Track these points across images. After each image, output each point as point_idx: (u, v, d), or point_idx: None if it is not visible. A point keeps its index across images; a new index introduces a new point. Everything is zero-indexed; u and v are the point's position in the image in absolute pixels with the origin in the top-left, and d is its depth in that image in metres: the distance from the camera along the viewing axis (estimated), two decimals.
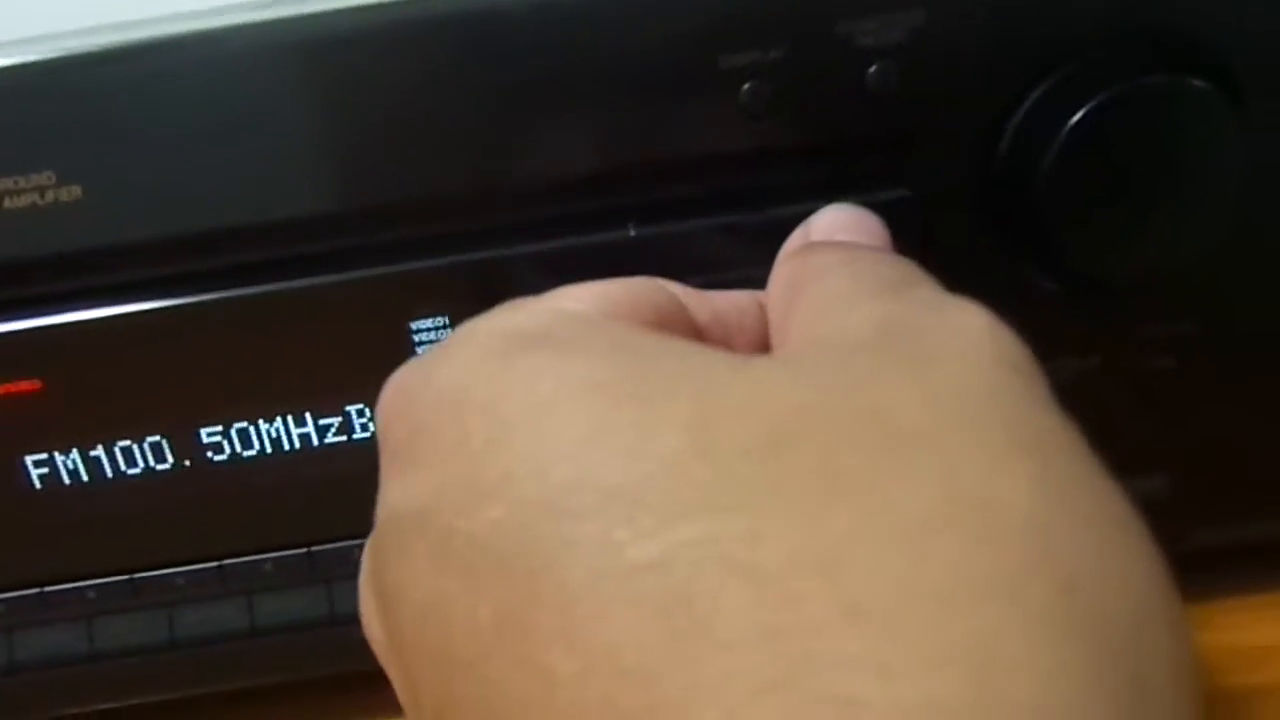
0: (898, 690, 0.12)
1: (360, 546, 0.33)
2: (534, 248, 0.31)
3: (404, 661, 0.17)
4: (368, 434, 0.32)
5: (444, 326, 0.32)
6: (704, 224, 0.30)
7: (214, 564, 0.33)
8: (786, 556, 0.13)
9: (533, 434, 0.16)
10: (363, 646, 0.35)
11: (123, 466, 0.32)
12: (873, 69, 0.29)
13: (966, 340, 0.17)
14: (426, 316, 0.32)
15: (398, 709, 0.38)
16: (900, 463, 0.14)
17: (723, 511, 0.14)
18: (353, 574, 0.34)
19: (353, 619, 0.35)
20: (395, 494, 0.18)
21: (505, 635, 0.14)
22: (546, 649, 0.14)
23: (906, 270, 0.21)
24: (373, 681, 0.38)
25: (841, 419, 0.15)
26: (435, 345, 0.20)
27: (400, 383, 0.19)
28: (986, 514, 0.14)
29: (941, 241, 0.31)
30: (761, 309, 0.23)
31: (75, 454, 0.31)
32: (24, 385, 0.31)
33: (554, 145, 0.29)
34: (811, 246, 0.24)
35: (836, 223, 0.25)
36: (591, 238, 0.30)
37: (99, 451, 0.31)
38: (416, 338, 0.32)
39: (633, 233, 0.30)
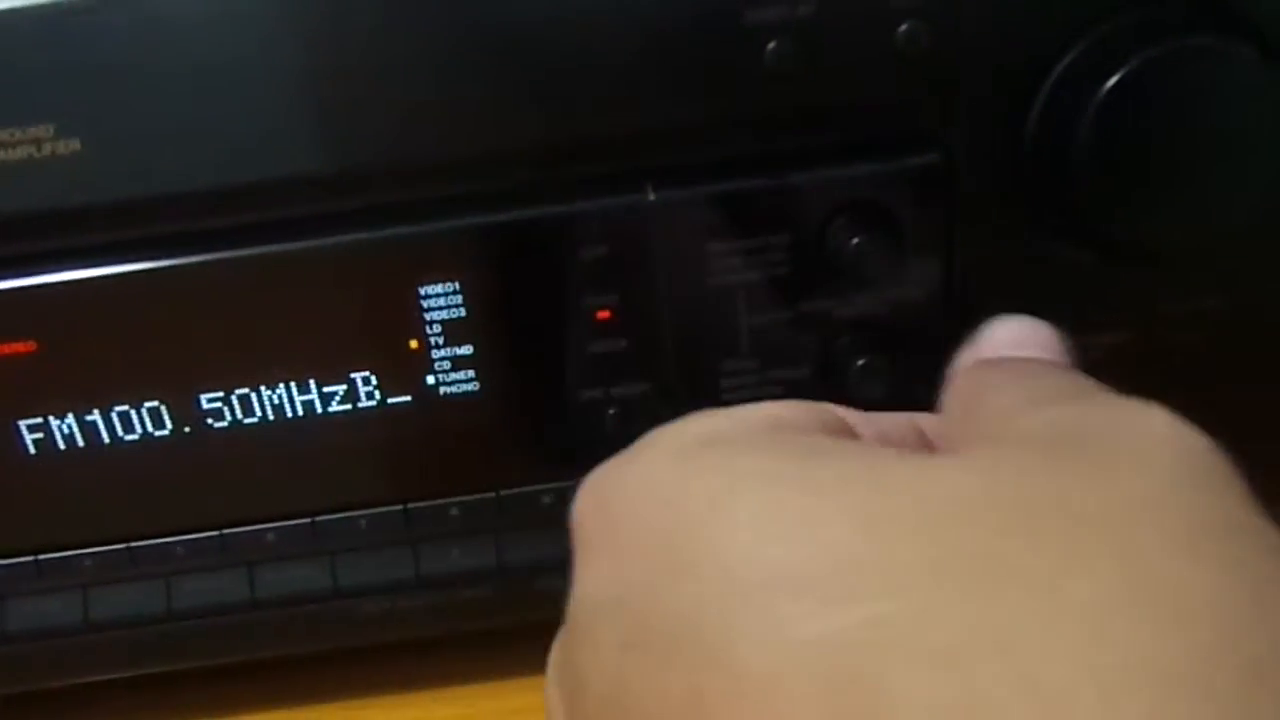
0: None
1: (365, 518, 0.33)
2: (551, 210, 0.30)
3: None
4: (372, 402, 0.32)
5: (455, 293, 0.31)
6: (723, 188, 0.29)
7: (215, 533, 0.32)
8: (957, 636, 0.13)
9: (712, 524, 0.17)
10: (366, 621, 0.34)
11: (120, 432, 0.31)
12: (902, 28, 0.28)
13: (1148, 437, 0.17)
14: (436, 282, 0.31)
15: (399, 687, 0.38)
16: (1074, 545, 0.14)
17: (890, 594, 0.14)
18: (357, 546, 0.35)
19: (357, 592, 0.35)
20: (586, 585, 0.19)
21: (687, 714, 0.15)
22: None
23: (1083, 382, 0.21)
24: (373, 656, 0.38)
25: (1011, 504, 0.15)
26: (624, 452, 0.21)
27: (594, 483, 0.21)
28: (1167, 596, 0.13)
29: (973, 210, 0.30)
30: (920, 433, 0.23)
31: (71, 418, 0.30)
32: (19, 346, 0.30)
33: (571, 104, 0.28)
34: (985, 363, 0.23)
35: (1008, 337, 0.24)
36: (610, 200, 0.29)
37: (95, 416, 0.30)
38: (425, 304, 0.31)
39: (652, 196, 0.29)
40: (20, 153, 0.28)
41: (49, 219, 0.28)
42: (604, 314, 0.30)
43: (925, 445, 0.23)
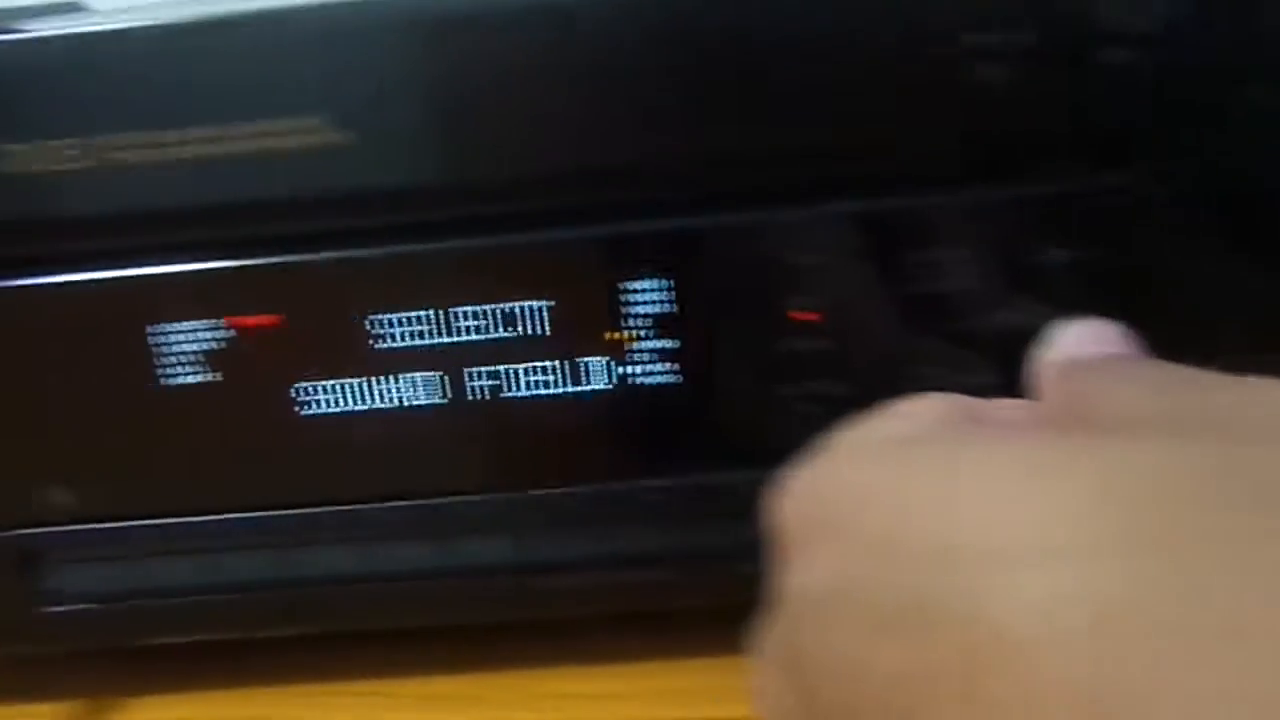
0: None
1: (562, 496, 0.35)
2: (757, 216, 0.32)
3: None
4: (581, 387, 0.34)
5: (660, 289, 0.33)
6: (934, 201, 0.31)
7: (413, 503, 0.35)
8: (1209, 605, 0.14)
9: (947, 510, 0.18)
10: (552, 596, 0.36)
11: (361, 402, 0.34)
12: (1116, 54, 0.29)
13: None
14: (639, 278, 0.33)
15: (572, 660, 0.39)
16: None
17: (1135, 554, 0.15)
18: (546, 522, 0.36)
19: (545, 568, 0.36)
20: (804, 576, 0.20)
21: (941, 683, 0.16)
22: (988, 686, 0.15)
23: (1185, 369, 0.21)
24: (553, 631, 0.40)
25: (1217, 478, 0.16)
26: (818, 453, 0.23)
27: (798, 484, 0.22)
28: None
29: (1170, 231, 0.31)
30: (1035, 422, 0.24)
31: (320, 385, 0.33)
32: (266, 319, 0.33)
33: (798, 116, 0.30)
34: (1080, 362, 0.24)
35: (1089, 335, 0.25)
36: (825, 208, 0.31)
37: (343, 384, 0.33)
38: (634, 298, 0.33)
39: (863, 205, 0.31)
40: (291, 142, 0.30)
41: (311, 204, 0.31)
42: (812, 315, 0.32)
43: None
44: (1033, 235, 0.31)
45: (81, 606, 0.36)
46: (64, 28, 0.30)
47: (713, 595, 0.36)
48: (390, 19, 0.30)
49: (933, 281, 0.31)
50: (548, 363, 0.34)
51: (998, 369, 0.32)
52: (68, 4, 0.42)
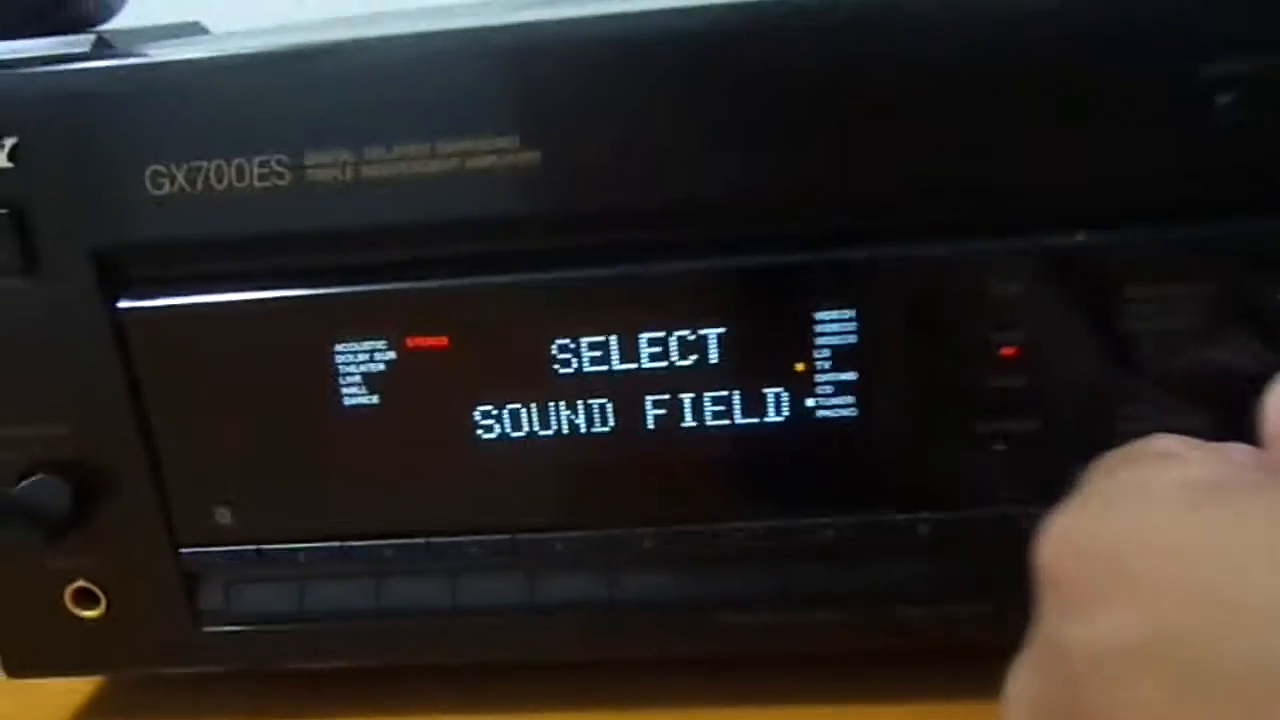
0: None
1: (734, 531, 0.34)
2: (977, 246, 0.30)
3: None
4: (753, 419, 0.33)
5: (850, 319, 0.32)
6: (1154, 235, 0.29)
7: (591, 533, 0.34)
8: None
9: (1259, 569, 0.17)
10: (725, 632, 0.35)
11: (537, 427, 0.33)
12: None
13: None
14: (831, 309, 0.32)
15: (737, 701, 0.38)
16: None
17: None
18: (719, 558, 0.34)
19: (717, 603, 0.35)
20: (1091, 629, 0.19)
21: None
22: None
23: None
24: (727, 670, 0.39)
25: None
26: (1085, 494, 0.22)
27: (1069, 527, 0.21)
28: None
29: None
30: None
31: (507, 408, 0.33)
32: (449, 340, 0.33)
33: (1018, 147, 0.29)
34: None
35: None
36: (1038, 239, 0.30)
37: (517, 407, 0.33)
38: (818, 328, 0.32)
39: (1080, 238, 0.29)
40: (485, 161, 0.30)
41: (502, 226, 0.31)
42: (1009, 350, 0.31)
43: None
44: (1258, 273, 0.29)
45: (244, 628, 0.36)
46: (267, 44, 0.30)
47: (881, 639, 0.35)
48: (586, 37, 0.29)
49: (1149, 319, 0.30)
50: (725, 392, 0.33)
51: (1208, 412, 0.31)
52: (189, 25, 0.42)
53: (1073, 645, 0.20)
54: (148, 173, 0.30)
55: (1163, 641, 0.18)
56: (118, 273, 0.32)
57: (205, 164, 0.30)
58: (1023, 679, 0.22)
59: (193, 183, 0.30)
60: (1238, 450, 0.24)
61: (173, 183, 0.30)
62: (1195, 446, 0.23)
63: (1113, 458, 0.25)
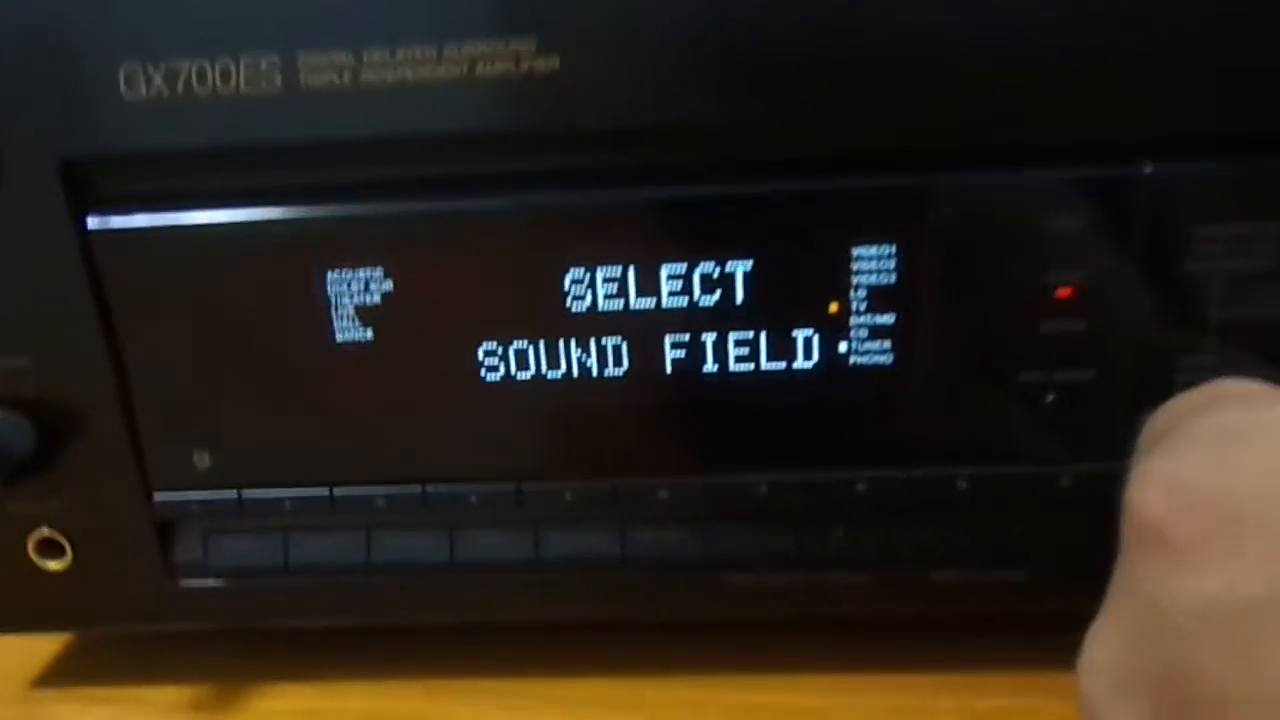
0: None
1: (761, 483, 0.31)
2: (1031, 176, 0.28)
3: None
4: (779, 365, 0.30)
5: (889, 256, 0.29)
6: (1227, 166, 0.27)
7: (606, 482, 0.31)
8: None
9: None
10: (734, 594, 0.33)
11: (543, 369, 0.30)
12: None
13: None
14: (870, 244, 0.29)
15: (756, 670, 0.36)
16: None
17: None
18: (733, 513, 0.32)
19: (727, 564, 0.32)
20: (1203, 583, 0.18)
21: None
22: None
23: None
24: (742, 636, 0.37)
25: None
26: (1178, 440, 0.20)
27: (1172, 477, 0.19)
28: None
29: None
30: None
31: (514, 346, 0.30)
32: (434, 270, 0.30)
33: (1075, 66, 0.26)
34: None
35: None
36: (1100, 170, 0.27)
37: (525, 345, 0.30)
38: (855, 265, 0.30)
39: (1148, 169, 0.27)
40: (499, 67, 0.27)
41: (514, 140, 0.28)
42: (1065, 291, 0.28)
43: None
44: None
45: (223, 582, 0.33)
46: None
47: (918, 603, 0.32)
48: None
49: (1217, 258, 0.27)
50: (751, 333, 0.30)
51: (1276, 365, 0.29)
52: None
53: (1181, 606, 0.18)
54: (120, 73, 0.27)
55: None
56: (86, 188, 0.29)
57: (185, 64, 0.27)
58: (1106, 645, 0.20)
59: (171, 86, 0.27)
60: None
61: (149, 85, 0.27)
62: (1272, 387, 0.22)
63: (1186, 401, 0.23)
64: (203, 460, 0.32)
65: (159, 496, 0.32)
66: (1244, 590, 0.17)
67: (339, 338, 0.30)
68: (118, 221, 0.30)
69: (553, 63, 0.27)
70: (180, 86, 0.27)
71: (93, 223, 0.30)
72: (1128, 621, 0.19)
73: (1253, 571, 0.17)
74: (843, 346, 0.30)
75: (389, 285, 0.30)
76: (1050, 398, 0.29)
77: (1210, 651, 0.17)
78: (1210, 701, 0.17)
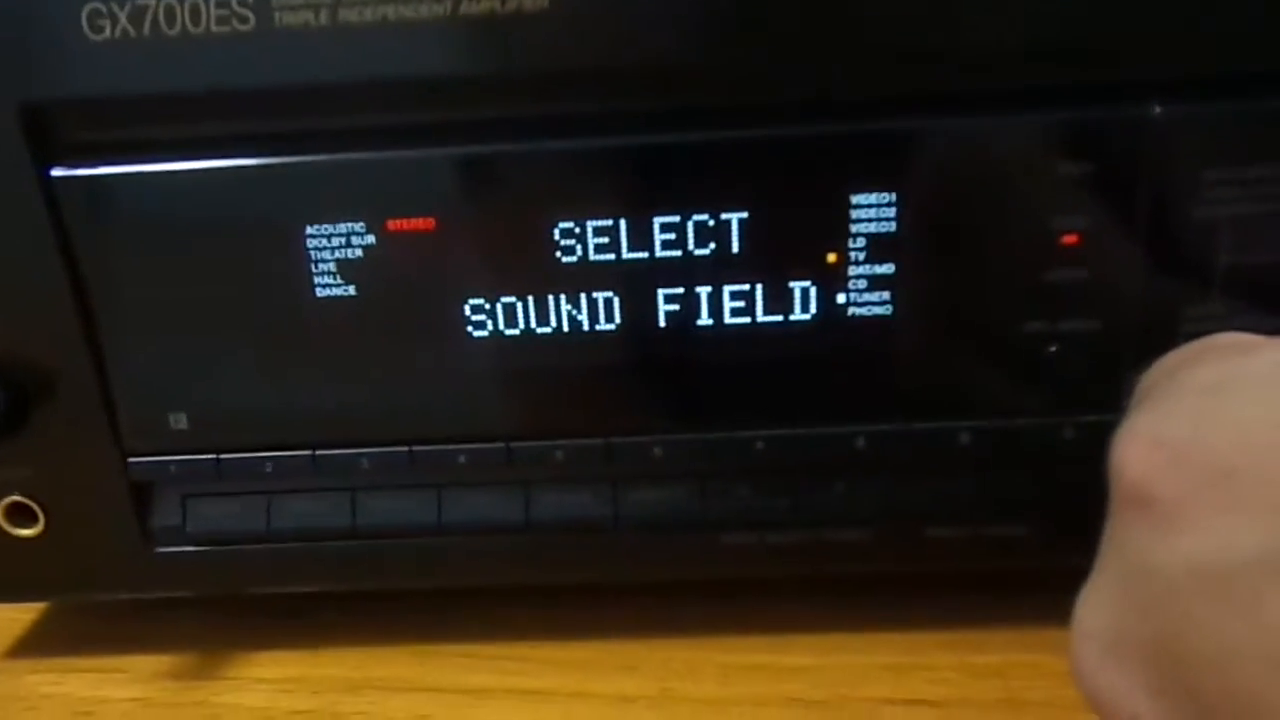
0: None
1: (757, 439, 0.31)
2: (1034, 118, 0.27)
3: None
4: (775, 317, 0.29)
5: (888, 204, 0.29)
6: (1237, 107, 0.26)
7: (599, 440, 0.30)
8: None
9: None
10: (731, 555, 0.32)
11: (532, 323, 0.29)
12: None
13: None
14: (869, 191, 0.28)
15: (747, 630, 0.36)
16: None
17: None
18: (729, 473, 0.31)
19: (722, 524, 0.32)
20: (1197, 543, 0.17)
21: None
22: None
23: None
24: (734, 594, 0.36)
25: None
26: (1164, 395, 0.20)
27: (1156, 433, 0.19)
28: None
29: None
30: None
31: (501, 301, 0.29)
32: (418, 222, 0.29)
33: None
34: None
35: None
36: (1107, 112, 0.26)
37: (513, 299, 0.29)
38: (854, 213, 0.29)
39: (1156, 110, 0.26)
40: (482, 5, 0.26)
41: (497, 84, 0.27)
42: (1070, 238, 0.28)
43: None
44: None
45: (202, 548, 0.32)
46: None
47: (918, 560, 0.32)
48: None
49: (1226, 204, 0.27)
50: (746, 285, 0.29)
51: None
52: None
53: (1172, 566, 0.17)
54: (84, 12, 0.26)
55: None
56: (49, 135, 0.28)
57: (153, 2, 0.26)
58: (1096, 608, 0.20)
59: (138, 25, 0.26)
60: None
61: (114, 25, 0.26)
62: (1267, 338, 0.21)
63: (1177, 356, 0.22)
64: (179, 422, 0.31)
65: (134, 460, 0.31)
66: (1237, 546, 0.16)
67: (320, 294, 0.29)
68: (84, 171, 0.28)
69: (541, 1, 0.26)
70: (147, 26, 0.26)
71: (57, 172, 0.28)
72: (1118, 583, 0.19)
73: (1245, 526, 0.16)
74: (841, 298, 0.29)
75: (370, 239, 0.29)
76: (1053, 348, 0.29)
77: (1206, 610, 0.17)
78: (1209, 660, 0.16)
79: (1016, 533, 0.31)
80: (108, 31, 0.26)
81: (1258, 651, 0.16)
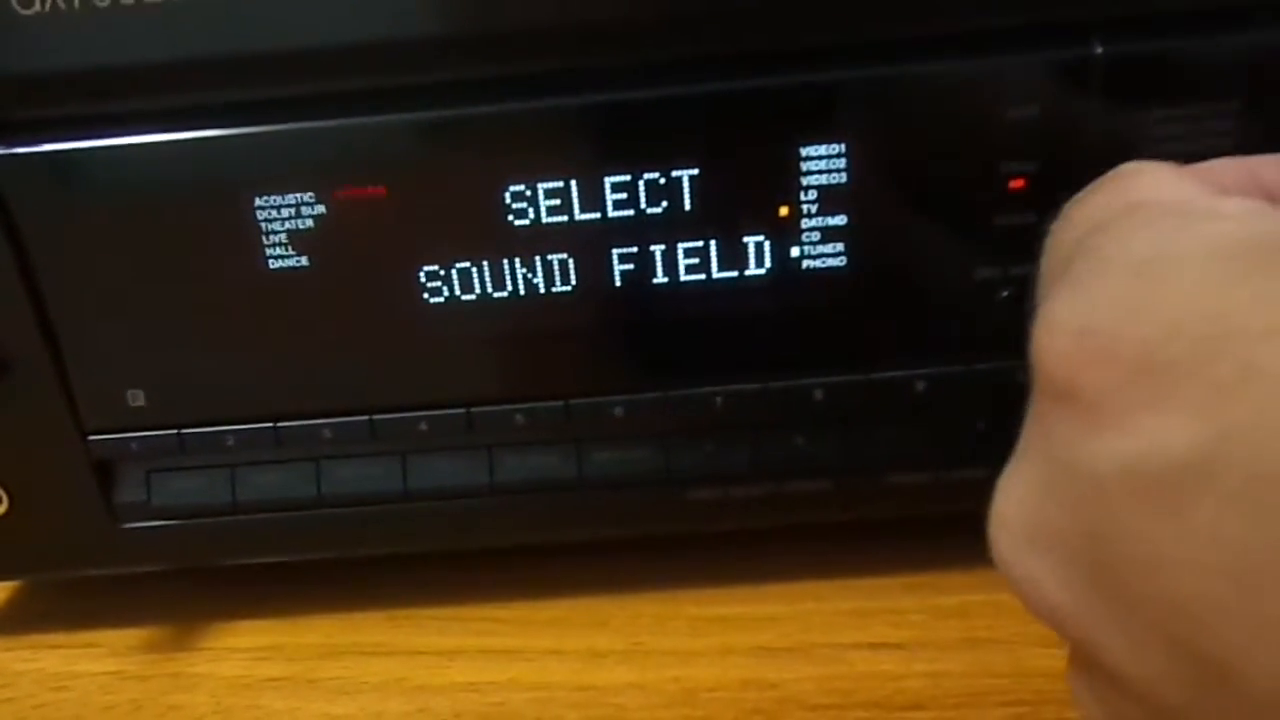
0: None
1: (717, 395, 0.31)
2: (977, 63, 0.27)
3: (1152, 630, 0.16)
4: (731, 273, 0.29)
5: (839, 154, 0.28)
6: (1182, 44, 0.26)
7: (558, 404, 0.31)
8: None
9: None
10: (696, 509, 0.32)
11: (489, 287, 0.29)
12: None
13: None
14: (818, 143, 0.28)
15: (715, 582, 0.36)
16: None
17: None
18: (691, 428, 0.31)
19: (687, 478, 0.32)
20: (1125, 443, 0.16)
21: None
22: None
23: None
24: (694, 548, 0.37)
25: None
26: (1089, 271, 0.18)
27: (1081, 321, 0.17)
28: None
29: None
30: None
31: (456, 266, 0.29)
32: (368, 190, 0.28)
33: None
34: None
35: None
36: (1049, 54, 0.26)
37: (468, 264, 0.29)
38: (804, 165, 0.29)
39: (1099, 49, 0.26)
40: None
41: (441, 46, 0.26)
42: (1018, 182, 0.28)
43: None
44: None
45: (168, 522, 0.32)
46: None
47: (880, 507, 0.32)
48: None
49: (1173, 141, 0.27)
50: (700, 242, 0.29)
51: None
52: None
53: (1099, 465, 0.16)
54: None
55: (1229, 449, 0.14)
56: None
57: None
58: (1017, 498, 0.18)
59: None
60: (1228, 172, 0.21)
61: None
62: (1188, 179, 0.20)
63: (1092, 209, 0.20)
64: (136, 398, 0.31)
65: (94, 438, 0.31)
66: (1168, 447, 0.15)
67: (273, 265, 0.29)
68: (21, 149, 0.28)
69: None
70: None
71: None
72: (1040, 476, 0.18)
73: (1176, 426, 0.15)
74: (795, 251, 0.29)
75: (321, 209, 0.29)
76: (1005, 293, 0.29)
77: (1135, 514, 0.16)
78: (1136, 564, 0.16)
79: (977, 475, 0.32)
80: (37, 5, 0.25)
81: (1185, 556, 0.15)
